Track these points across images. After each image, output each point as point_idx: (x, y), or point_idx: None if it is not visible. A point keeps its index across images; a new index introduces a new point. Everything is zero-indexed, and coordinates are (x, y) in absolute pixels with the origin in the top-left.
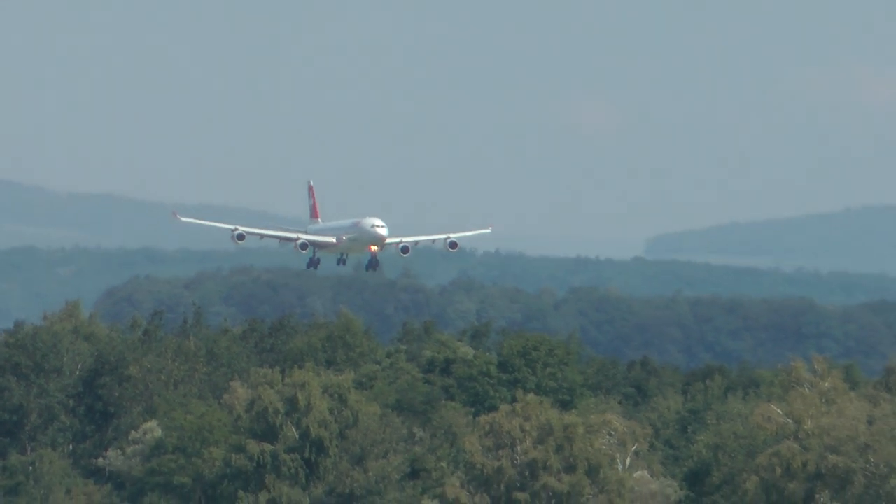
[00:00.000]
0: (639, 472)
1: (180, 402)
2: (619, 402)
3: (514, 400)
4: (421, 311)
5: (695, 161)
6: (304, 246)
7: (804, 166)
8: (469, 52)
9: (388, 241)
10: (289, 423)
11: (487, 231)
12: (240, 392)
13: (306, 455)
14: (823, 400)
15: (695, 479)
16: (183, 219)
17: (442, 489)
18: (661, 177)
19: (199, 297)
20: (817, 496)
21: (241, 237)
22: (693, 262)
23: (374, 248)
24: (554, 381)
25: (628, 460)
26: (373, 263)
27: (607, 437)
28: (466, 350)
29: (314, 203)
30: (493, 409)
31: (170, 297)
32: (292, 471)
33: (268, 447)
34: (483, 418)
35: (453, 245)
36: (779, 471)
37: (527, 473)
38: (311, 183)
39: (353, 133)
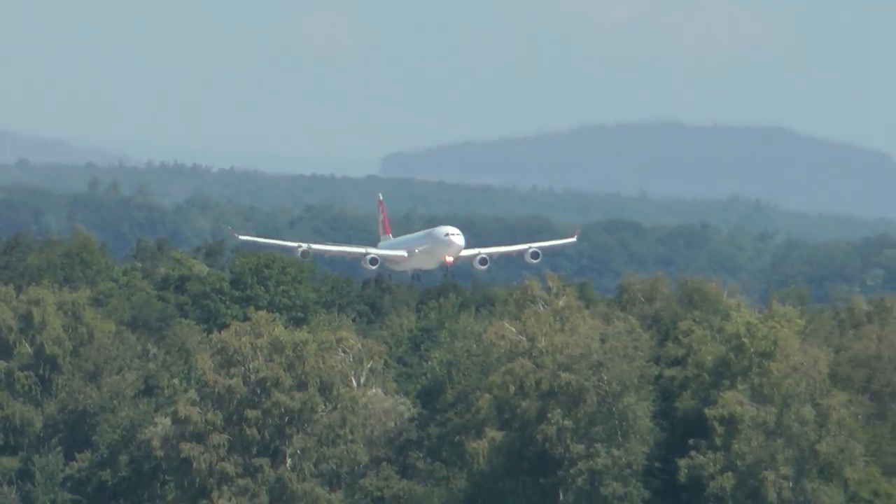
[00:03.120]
0: (373, 390)
1: None
2: (354, 320)
3: (246, 317)
4: (156, 229)
5: (430, 79)
6: (373, 261)
7: (539, 85)
8: None
9: (464, 252)
10: (22, 340)
11: (572, 240)
12: None
13: (40, 372)
14: (557, 318)
15: (428, 397)
16: (242, 237)
17: (174, 407)
18: (394, 95)
19: None
20: (550, 414)
21: (304, 254)
22: (428, 180)
23: (448, 259)
24: (287, 298)
25: (363, 378)
26: (449, 276)
27: (342, 354)
28: (201, 267)
29: (384, 218)
30: (226, 326)
31: None
32: (26, 388)
33: (1, 364)
34: (215, 336)
35: (535, 255)
36: (512, 388)
37: (258, 391)
38: (381, 198)
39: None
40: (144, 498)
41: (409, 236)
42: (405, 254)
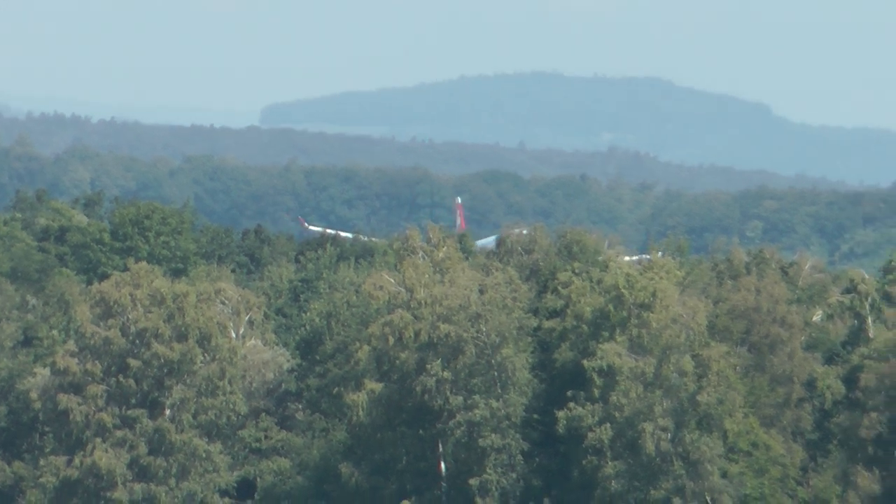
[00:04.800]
0: (252, 341)
1: None
2: (233, 271)
3: (126, 268)
4: (35, 180)
5: (309, 29)
6: None
7: (419, 35)
8: None
9: None
10: None
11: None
12: None
13: None
14: (437, 269)
15: (307, 348)
16: (311, 227)
17: (53, 358)
18: (275, 45)
19: None
20: (429, 365)
21: None
22: (307, 131)
23: None
24: (167, 249)
25: (242, 329)
26: None
27: (221, 305)
28: (81, 218)
29: (461, 222)
30: (106, 277)
31: None
32: None
33: None
34: (94, 287)
35: None
36: (391, 340)
37: (137, 342)
38: (459, 201)
39: None
40: (23, 449)
41: (482, 241)
42: None
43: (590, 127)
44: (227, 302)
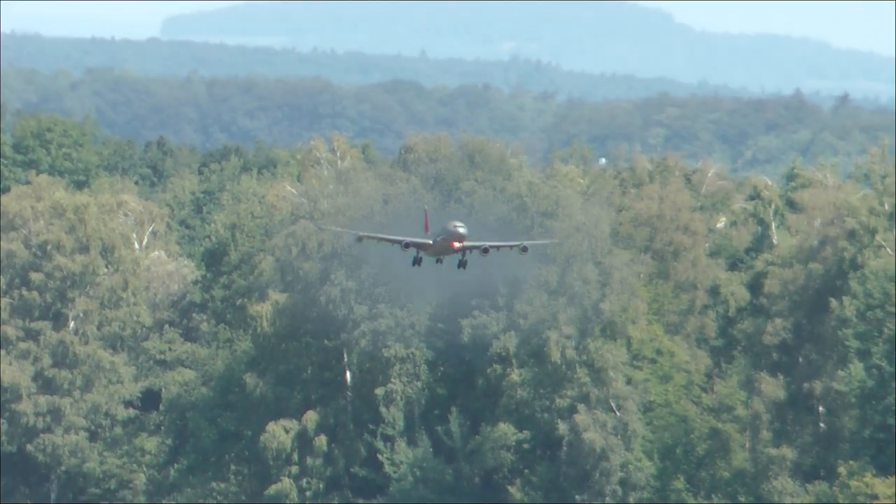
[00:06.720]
0: (155, 252)
1: None
2: (136, 183)
3: (28, 181)
4: None
5: None
6: (406, 245)
7: None
8: None
9: (467, 243)
10: None
11: (556, 241)
12: None
13: None
14: (341, 179)
15: (212, 259)
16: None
17: None
18: None
19: None
20: (332, 276)
21: (359, 239)
22: (208, 42)
23: (455, 244)
24: (69, 161)
25: (145, 240)
26: (462, 263)
27: (123, 217)
28: None
29: (426, 223)
30: (8, 190)
31: None
32: None
33: None
34: None
35: (524, 249)
36: (294, 251)
37: (40, 254)
38: (426, 208)
39: None
40: None
41: (436, 230)
42: (431, 242)
43: (491, 36)
44: (129, 214)
